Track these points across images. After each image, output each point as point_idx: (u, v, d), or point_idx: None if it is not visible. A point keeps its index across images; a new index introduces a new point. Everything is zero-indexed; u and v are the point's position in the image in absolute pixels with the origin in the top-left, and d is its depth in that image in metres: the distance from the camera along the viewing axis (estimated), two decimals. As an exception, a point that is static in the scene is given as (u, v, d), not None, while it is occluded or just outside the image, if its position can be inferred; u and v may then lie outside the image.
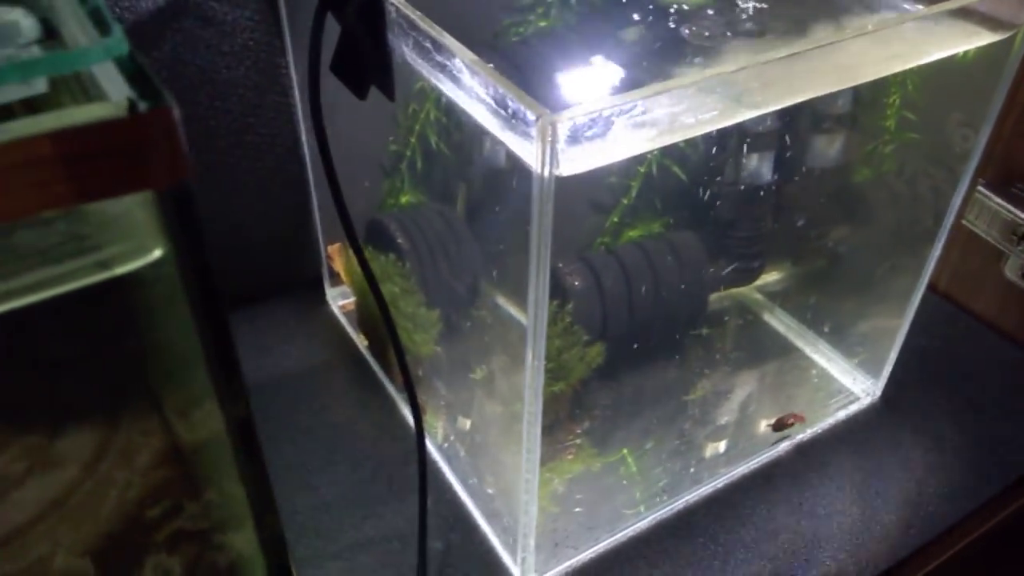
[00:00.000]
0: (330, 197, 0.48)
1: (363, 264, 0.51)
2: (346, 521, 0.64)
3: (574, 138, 0.39)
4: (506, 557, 0.61)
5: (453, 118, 0.58)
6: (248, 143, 0.72)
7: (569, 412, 0.64)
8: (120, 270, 0.26)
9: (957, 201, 0.64)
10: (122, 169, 0.22)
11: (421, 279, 0.64)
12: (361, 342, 0.78)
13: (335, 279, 0.81)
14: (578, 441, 0.65)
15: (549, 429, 0.62)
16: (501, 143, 0.41)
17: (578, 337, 0.59)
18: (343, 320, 0.81)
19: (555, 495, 0.64)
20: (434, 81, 0.44)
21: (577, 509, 0.64)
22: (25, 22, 0.24)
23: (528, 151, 0.39)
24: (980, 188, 0.80)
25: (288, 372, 0.76)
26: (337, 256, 0.77)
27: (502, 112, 0.40)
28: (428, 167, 0.63)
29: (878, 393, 0.76)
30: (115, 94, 0.25)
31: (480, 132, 0.43)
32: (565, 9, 0.63)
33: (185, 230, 0.24)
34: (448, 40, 0.42)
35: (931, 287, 0.85)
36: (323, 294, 0.83)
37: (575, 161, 0.39)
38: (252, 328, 0.79)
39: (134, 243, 0.25)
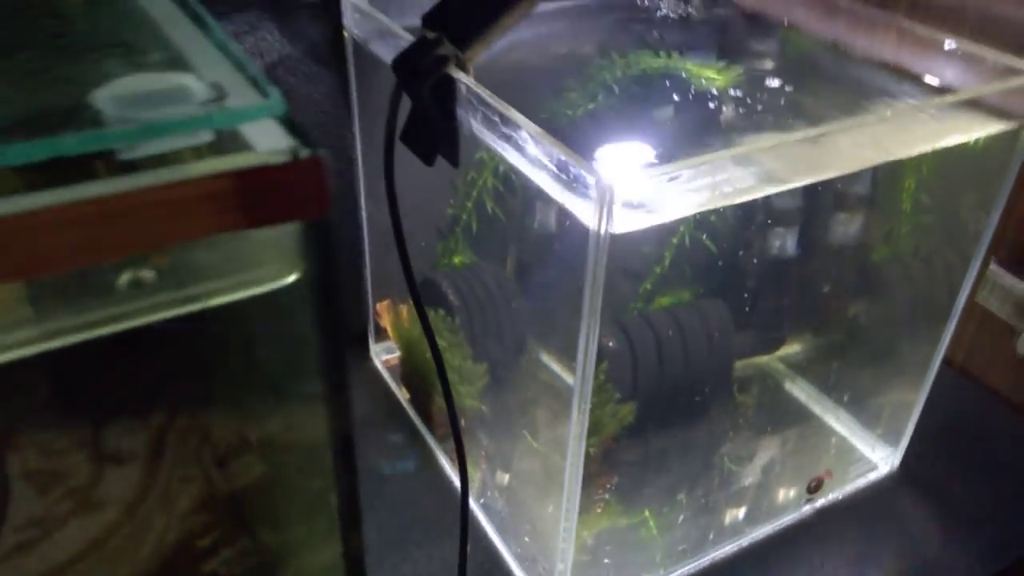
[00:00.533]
0: (381, 258, 0.52)
1: (423, 318, 0.55)
2: (385, 562, 0.67)
3: (627, 201, 0.44)
4: (540, 602, 0.64)
5: (510, 184, 0.64)
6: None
7: (599, 467, 0.67)
8: (260, 289, 0.30)
9: (970, 279, 0.68)
10: (285, 202, 0.27)
11: (469, 334, 0.68)
12: (403, 395, 0.82)
13: (380, 335, 0.85)
14: (607, 496, 0.68)
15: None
16: (554, 207, 0.46)
17: (611, 395, 0.63)
18: (386, 374, 0.85)
19: (584, 546, 0.66)
20: (499, 150, 0.50)
21: (606, 560, 0.67)
22: (196, 85, 0.30)
23: (586, 211, 0.44)
24: (993, 267, 0.83)
25: (333, 422, 0.80)
26: (385, 313, 0.81)
27: (563, 176, 0.45)
28: (482, 229, 0.68)
29: (896, 463, 0.78)
30: (261, 144, 0.30)
31: (539, 196, 0.48)
32: (608, 93, 0.69)
33: (326, 253, 0.29)
34: (515, 114, 0.48)
35: (947, 361, 0.88)
36: (367, 349, 0.87)
37: (627, 221, 0.44)
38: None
39: (274, 268, 0.30)
